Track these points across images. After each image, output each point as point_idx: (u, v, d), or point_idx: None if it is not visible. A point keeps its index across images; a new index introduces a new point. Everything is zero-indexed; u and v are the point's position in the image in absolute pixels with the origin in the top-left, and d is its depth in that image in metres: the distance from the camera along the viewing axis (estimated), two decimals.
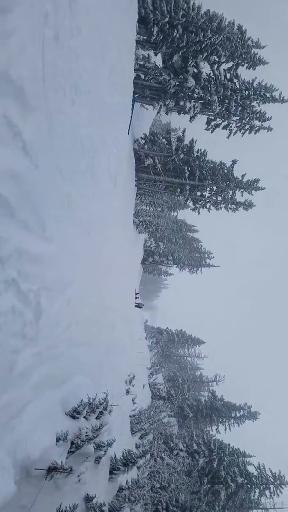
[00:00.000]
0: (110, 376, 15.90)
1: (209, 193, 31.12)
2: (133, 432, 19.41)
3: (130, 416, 20.09)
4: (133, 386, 21.96)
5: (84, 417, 9.38)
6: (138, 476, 16.40)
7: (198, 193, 31.21)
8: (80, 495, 8.86)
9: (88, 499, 8.96)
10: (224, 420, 40.92)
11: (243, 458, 27.82)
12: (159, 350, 57.04)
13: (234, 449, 28.61)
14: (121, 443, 13.88)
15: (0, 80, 6.04)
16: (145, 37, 22.53)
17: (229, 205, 31.19)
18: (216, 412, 40.93)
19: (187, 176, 29.24)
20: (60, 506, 7.01)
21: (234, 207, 31.17)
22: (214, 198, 31.04)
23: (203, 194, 31.24)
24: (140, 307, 39.09)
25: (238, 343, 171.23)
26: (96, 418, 10.69)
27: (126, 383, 21.09)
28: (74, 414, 8.86)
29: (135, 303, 36.10)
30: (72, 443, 8.43)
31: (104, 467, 10.99)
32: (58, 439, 7.61)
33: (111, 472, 11.91)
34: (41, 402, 7.56)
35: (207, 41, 21.63)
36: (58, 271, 9.71)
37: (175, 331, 62.65)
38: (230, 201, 30.69)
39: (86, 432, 9.08)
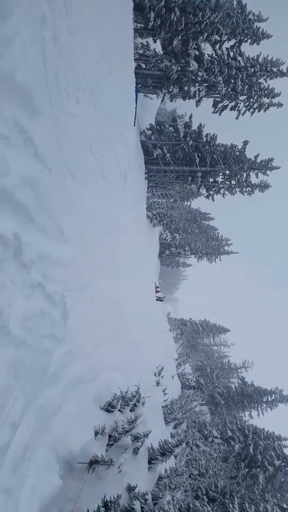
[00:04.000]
0: (139, 370, 16.08)
1: (222, 178, 30.61)
2: (167, 422, 19.64)
3: (162, 407, 20.32)
4: (162, 377, 22.17)
5: (118, 410, 9.57)
6: (176, 464, 16.62)
7: (211, 179, 30.74)
8: (122, 486, 9.07)
9: (130, 488, 9.17)
10: (256, 406, 40.95)
11: (279, 442, 27.83)
12: (185, 341, 57.19)
13: (269, 433, 28.63)
14: (156, 434, 14.08)
15: (7, 85, 6.09)
16: (142, 25, 22.09)
17: (244, 188, 30.63)
18: (248, 398, 40.97)
19: (197, 162, 28.85)
20: (104, 496, 7.22)
21: (250, 189, 30.54)
22: (228, 182, 30.52)
23: (216, 179, 30.77)
24: (161, 301, 39.20)
25: (263, 328, 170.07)
26: (131, 410, 10.89)
27: (155, 375, 21.31)
28: (109, 408, 9.05)
29: (156, 296, 36.21)
30: (110, 436, 8.63)
31: (143, 458, 11.21)
32: (96, 433, 7.82)
33: (149, 462, 12.13)
34: (76, 399, 7.76)
35: (207, 21, 21.04)
36: (78, 272, 9.86)
37: (199, 321, 62.64)
38: (244, 184, 30.11)
39: (122, 425, 9.27)
